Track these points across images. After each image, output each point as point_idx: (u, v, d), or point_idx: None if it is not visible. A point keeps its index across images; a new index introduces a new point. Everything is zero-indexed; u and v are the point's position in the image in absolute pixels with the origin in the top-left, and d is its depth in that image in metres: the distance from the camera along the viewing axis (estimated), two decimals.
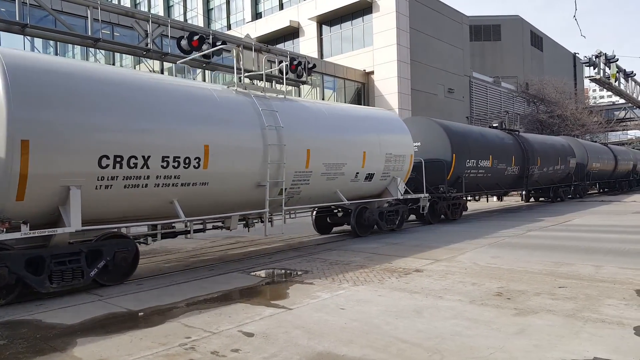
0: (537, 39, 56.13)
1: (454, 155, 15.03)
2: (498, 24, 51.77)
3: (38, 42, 17.81)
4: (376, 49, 32.36)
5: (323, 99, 30.48)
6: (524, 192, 25.10)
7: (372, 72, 32.64)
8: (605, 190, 32.68)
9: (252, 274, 7.69)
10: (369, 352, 4.04)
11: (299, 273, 7.54)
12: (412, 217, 14.91)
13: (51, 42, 19.45)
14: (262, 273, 7.76)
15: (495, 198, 25.88)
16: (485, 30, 51.27)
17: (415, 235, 12.07)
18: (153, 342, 4.45)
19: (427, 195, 13.78)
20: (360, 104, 32.12)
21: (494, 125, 20.91)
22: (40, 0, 11.33)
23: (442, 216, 15.29)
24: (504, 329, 4.53)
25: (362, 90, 33.03)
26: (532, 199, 25.42)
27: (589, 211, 17.93)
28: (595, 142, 34.04)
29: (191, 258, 9.58)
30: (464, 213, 16.58)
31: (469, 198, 19.38)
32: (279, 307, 5.57)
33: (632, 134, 50.78)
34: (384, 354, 3.98)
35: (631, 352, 3.86)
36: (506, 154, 18.66)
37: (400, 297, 5.83)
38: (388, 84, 31.78)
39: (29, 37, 14.44)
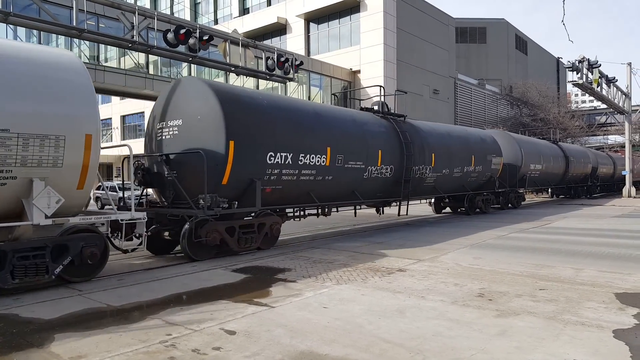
0: (522, 43, 56.92)
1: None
2: (484, 26, 52.34)
3: (21, 31, 17.38)
4: (363, 48, 32.41)
5: (309, 97, 30.43)
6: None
7: (359, 71, 32.70)
8: (560, 196, 30.45)
9: (235, 271, 7.62)
10: (351, 351, 4.03)
11: (283, 271, 7.50)
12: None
13: (34, 32, 18.99)
14: (246, 270, 7.70)
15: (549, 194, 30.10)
16: (471, 33, 51.79)
17: (399, 234, 12.15)
18: (133, 338, 4.37)
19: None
20: (346, 104, 32.20)
21: (365, 107, 14.05)
22: None
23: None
24: (485, 330, 4.57)
25: (348, 89, 33.06)
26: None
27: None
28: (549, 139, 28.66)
29: (174, 254, 9.46)
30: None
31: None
32: (262, 305, 5.52)
33: (613, 138, 51.94)
34: (366, 354, 3.97)
35: (610, 355, 3.92)
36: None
37: (383, 296, 5.84)
38: (374, 83, 31.82)
39: (11, 26, 14.07)
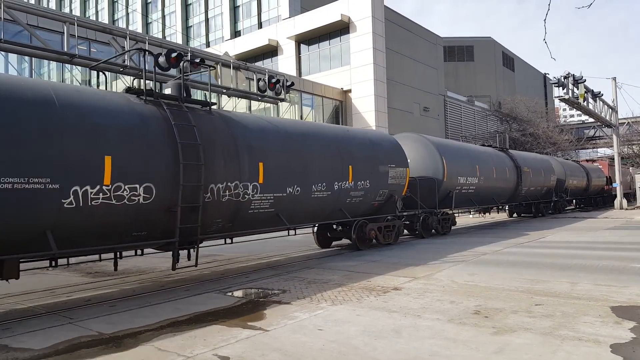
0: (509, 60, 57.97)
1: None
2: (471, 45, 53.34)
3: (12, 57, 17.43)
4: (353, 68, 32.83)
5: (301, 117, 30.63)
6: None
7: (350, 90, 33.05)
8: (522, 215, 26.78)
9: (229, 294, 7.52)
10: None
11: (277, 293, 7.42)
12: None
13: (26, 58, 19.05)
14: (239, 293, 7.60)
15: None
16: (459, 51, 52.71)
17: (394, 252, 12.08)
18: None
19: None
20: (338, 122, 32.41)
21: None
22: (15, 15, 11.11)
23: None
24: (482, 348, 4.52)
25: (340, 108, 33.35)
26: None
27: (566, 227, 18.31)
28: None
29: (166, 278, 9.33)
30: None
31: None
32: (256, 328, 5.44)
33: (602, 151, 52.55)
34: None
35: None
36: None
37: (378, 316, 5.78)
38: (365, 102, 32.19)
39: (3, 53, 14.10)
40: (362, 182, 11.83)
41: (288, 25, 36.64)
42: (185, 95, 8.67)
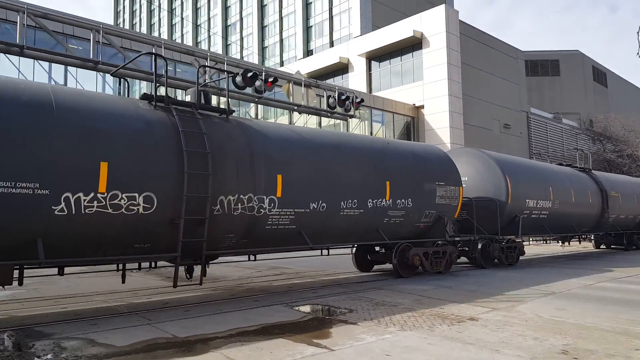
0: (600, 75, 53.93)
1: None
2: (556, 59, 50.35)
3: (108, 77, 19.29)
4: (426, 84, 32.25)
5: (371, 133, 30.54)
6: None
7: (422, 106, 32.44)
8: (612, 247, 22.64)
9: (296, 308, 7.52)
10: None
11: (343, 311, 7.28)
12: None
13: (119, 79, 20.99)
14: (306, 308, 7.57)
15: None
16: (543, 65, 49.96)
17: (469, 279, 11.43)
18: None
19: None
20: (410, 138, 31.88)
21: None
22: (112, 40, 12.26)
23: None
24: None
25: (412, 124, 32.82)
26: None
27: None
28: None
29: (237, 287, 9.58)
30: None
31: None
32: (321, 346, 5.35)
33: None
34: None
35: None
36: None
37: (452, 347, 5.42)
38: (439, 118, 31.40)
39: (100, 73, 15.60)
40: (403, 200, 10.43)
41: (359, 42, 36.97)
42: (204, 102, 8.17)
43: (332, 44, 47.95)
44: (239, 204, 7.70)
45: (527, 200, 14.16)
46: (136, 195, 6.57)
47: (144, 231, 6.78)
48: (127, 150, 6.59)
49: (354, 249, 11.66)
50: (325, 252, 9.93)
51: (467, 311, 7.38)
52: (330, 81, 37.74)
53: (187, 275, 8.32)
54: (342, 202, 9.19)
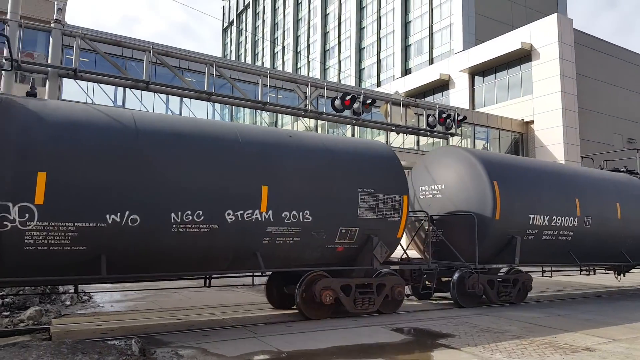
0: None
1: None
2: None
3: (217, 106, 21.15)
4: (536, 98, 30.19)
5: None
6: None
7: (532, 122, 30.38)
8: None
9: (395, 330, 7.41)
10: None
11: (445, 336, 7.02)
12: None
13: (227, 106, 22.89)
14: (405, 330, 7.43)
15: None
16: None
17: (586, 307, 10.31)
18: None
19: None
20: (518, 155, 29.92)
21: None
22: (222, 72, 13.44)
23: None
24: None
25: (521, 141, 30.82)
26: None
27: None
28: None
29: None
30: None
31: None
32: None
33: None
34: None
35: None
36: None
37: None
38: (551, 133, 29.11)
39: (211, 103, 17.18)
40: (295, 212, 7.51)
41: (461, 58, 35.93)
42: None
43: (431, 61, 47.19)
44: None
45: (531, 216, 10.24)
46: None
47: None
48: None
49: (265, 279, 9.13)
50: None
51: (582, 341, 6.69)
52: (429, 99, 37.09)
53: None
54: (172, 215, 6.58)
